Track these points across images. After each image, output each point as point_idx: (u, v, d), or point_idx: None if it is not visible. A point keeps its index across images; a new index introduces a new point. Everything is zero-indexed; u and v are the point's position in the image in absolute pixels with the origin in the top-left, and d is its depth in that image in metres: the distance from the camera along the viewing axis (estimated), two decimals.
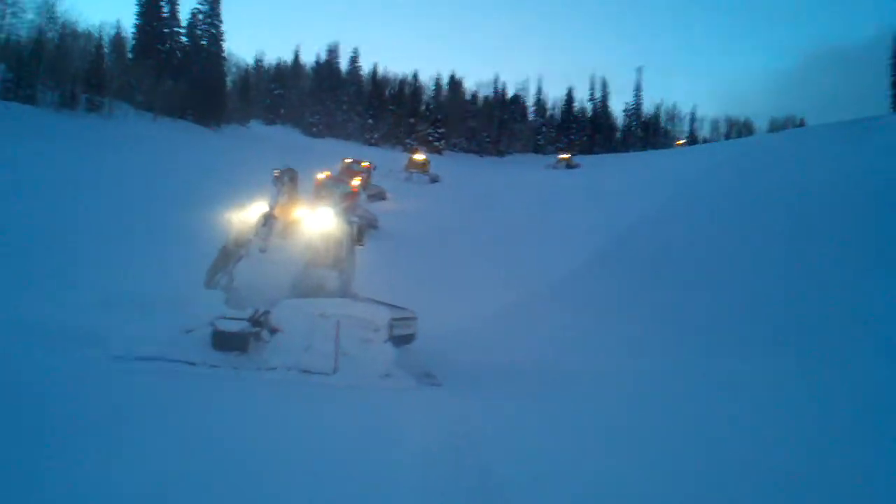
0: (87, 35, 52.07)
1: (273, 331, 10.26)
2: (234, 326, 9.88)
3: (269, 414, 7.73)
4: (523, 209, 39.68)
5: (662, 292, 22.13)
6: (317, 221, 12.77)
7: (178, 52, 59.06)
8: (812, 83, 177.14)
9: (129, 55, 57.88)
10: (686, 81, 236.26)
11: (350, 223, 13.95)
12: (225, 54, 66.46)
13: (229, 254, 12.18)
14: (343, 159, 47.31)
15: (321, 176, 36.31)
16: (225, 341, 9.80)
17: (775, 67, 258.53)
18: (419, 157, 62.50)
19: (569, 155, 79.77)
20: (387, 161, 58.19)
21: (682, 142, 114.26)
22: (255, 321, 10.16)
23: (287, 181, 12.44)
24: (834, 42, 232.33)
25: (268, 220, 11.54)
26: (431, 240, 32.10)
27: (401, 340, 11.93)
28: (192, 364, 9.46)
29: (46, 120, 39.17)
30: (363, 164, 48.07)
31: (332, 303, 10.90)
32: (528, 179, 55.95)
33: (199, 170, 35.40)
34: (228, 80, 74.89)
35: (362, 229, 14.33)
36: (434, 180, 56.81)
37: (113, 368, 8.91)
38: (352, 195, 34.75)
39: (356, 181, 38.43)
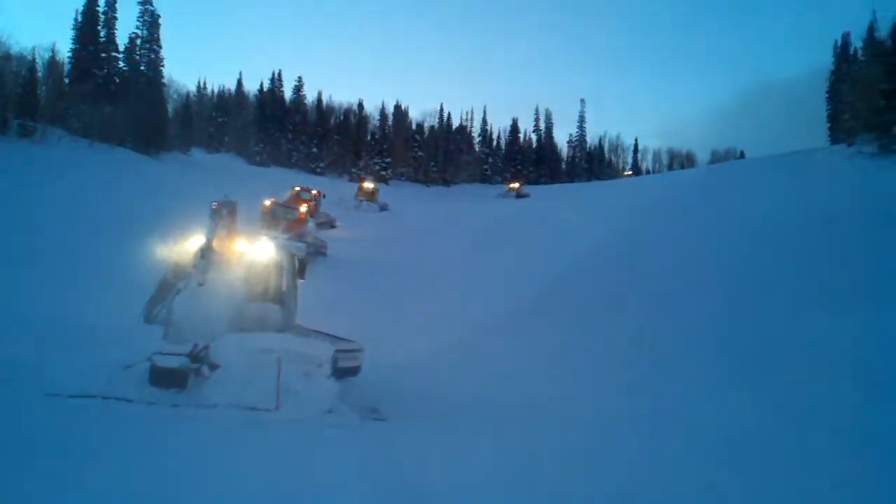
0: (20, 58, 49.69)
1: (213, 367, 10.01)
2: (172, 362, 9.68)
3: (204, 455, 7.55)
4: (474, 238, 39.10)
5: (613, 321, 22.01)
6: (257, 254, 12.49)
7: (116, 77, 57.10)
8: (750, 116, 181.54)
9: (65, 80, 55.59)
10: (628, 114, 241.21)
11: (292, 256, 13.55)
12: (165, 80, 65.15)
13: (168, 286, 11.85)
14: (293, 187, 47.18)
15: (268, 202, 36.11)
16: (163, 377, 9.59)
17: (713, 101, 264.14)
18: (369, 185, 62.63)
19: (518, 184, 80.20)
20: (334, 190, 57.41)
21: (629, 173, 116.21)
22: (195, 356, 9.94)
23: (226, 214, 12.04)
24: (769, 77, 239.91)
25: (206, 253, 11.13)
26: (382, 267, 31.69)
27: (346, 372, 11.97)
28: (130, 401, 9.19)
29: None
30: (313, 192, 48.17)
31: (273, 338, 10.81)
32: (478, 209, 55.69)
33: (137, 198, 34.13)
34: (169, 106, 73.05)
35: (304, 263, 13.89)
36: (383, 209, 57.10)
37: (46, 406, 8.65)
38: (299, 221, 34.59)
39: (304, 207, 38.37)
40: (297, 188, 47.47)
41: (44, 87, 50.85)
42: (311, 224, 37.79)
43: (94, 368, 9.62)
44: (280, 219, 33.38)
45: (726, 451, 10.61)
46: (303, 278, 13.74)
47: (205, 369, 9.99)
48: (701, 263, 26.68)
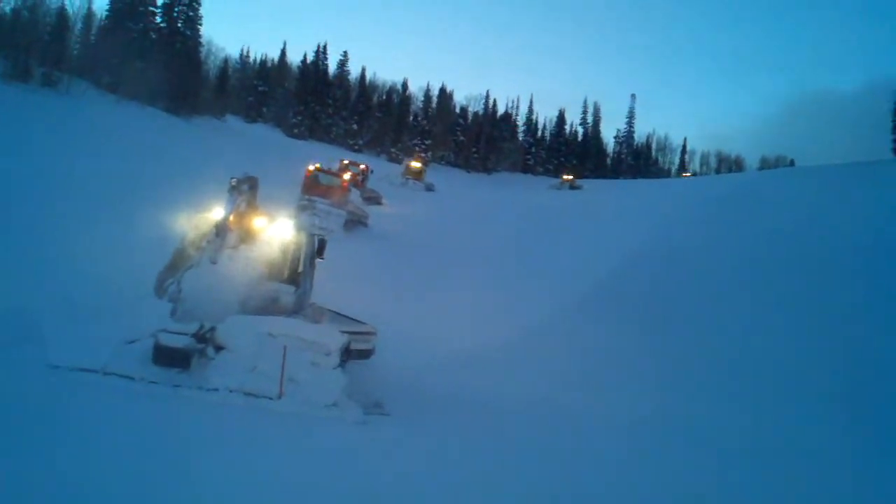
0: (48, 5, 46.96)
1: (218, 348, 9.91)
2: (177, 341, 9.47)
3: (197, 442, 7.52)
4: (524, 226, 37.63)
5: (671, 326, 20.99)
6: (276, 232, 12.14)
7: (151, 33, 54.25)
8: (801, 126, 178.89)
9: (98, 31, 53.01)
10: (676, 114, 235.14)
11: (311, 235, 13.41)
12: (202, 40, 62.58)
13: (181, 260, 11.57)
14: (340, 160, 46.66)
15: (311, 167, 35.82)
16: (166, 356, 9.40)
17: (763, 109, 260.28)
18: (416, 164, 62.66)
19: (572, 176, 78.60)
20: (375, 168, 55.13)
21: (687, 174, 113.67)
22: (200, 337, 9.80)
23: (246, 189, 11.80)
24: (822, 88, 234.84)
25: (221, 231, 10.77)
26: (430, 245, 31.21)
27: (358, 355, 12.12)
28: (131, 378, 9.12)
29: None
30: (361, 166, 47.88)
31: (282, 322, 10.56)
32: (527, 198, 53.38)
33: (160, 162, 31.73)
34: (207, 69, 70.49)
35: (324, 242, 13.55)
36: (429, 189, 57.25)
37: (48, 377, 8.63)
38: (342, 189, 34.39)
39: (347, 175, 37.58)
40: (346, 161, 46.90)
41: (74, 38, 47.98)
42: (357, 196, 37.69)
43: (98, 342, 9.35)
44: (322, 185, 33.71)
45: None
46: (321, 258, 13.50)
47: (209, 350, 9.87)
48: (770, 274, 24.81)
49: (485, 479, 8.27)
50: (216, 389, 9.34)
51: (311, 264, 13.19)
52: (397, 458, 8.68)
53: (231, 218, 11.03)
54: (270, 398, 9.39)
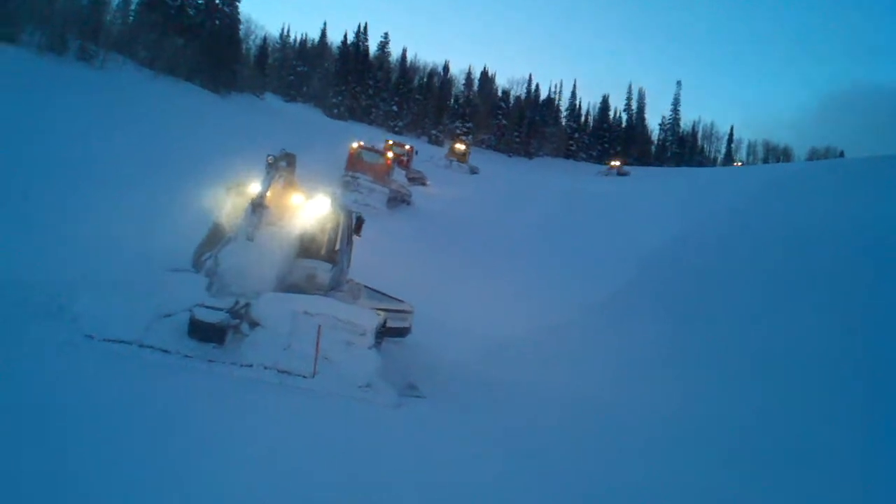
0: None
1: (253, 324, 9.96)
2: (212, 317, 9.45)
3: (229, 418, 7.52)
4: (571, 213, 37.44)
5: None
6: (313, 209, 12.06)
7: (189, 8, 53.14)
8: (850, 118, 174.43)
9: (136, 5, 52.05)
10: (722, 102, 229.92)
11: (349, 212, 13.44)
12: (241, 17, 61.52)
13: (218, 234, 11.77)
14: (386, 140, 46.60)
15: (355, 144, 36.29)
16: (202, 331, 9.39)
17: (810, 99, 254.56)
18: (460, 146, 63.41)
19: (619, 162, 78.36)
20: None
21: (739, 163, 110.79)
22: (236, 312, 9.80)
23: (284, 166, 11.63)
24: (870, 80, 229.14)
25: (257, 208, 10.54)
26: (474, 228, 31.04)
27: (395, 333, 12.50)
28: (166, 352, 9.15)
29: (24, 63, 33.69)
30: (406, 146, 48.17)
31: (318, 300, 10.53)
32: (574, 185, 52.32)
33: (195, 137, 31.13)
34: (247, 47, 69.51)
35: (361, 220, 13.62)
36: (473, 171, 57.83)
37: (83, 347, 8.64)
38: (385, 166, 34.80)
39: (390, 154, 37.68)
40: (391, 141, 46.85)
41: (112, 11, 47.03)
42: (402, 177, 38.29)
43: (134, 314, 9.38)
44: (366, 162, 34.20)
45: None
46: (358, 235, 13.56)
47: (244, 326, 9.90)
48: (817, 267, 23.32)
49: (521, 469, 8.25)
50: (250, 366, 9.37)
51: (348, 242, 13.26)
52: (431, 442, 8.59)
53: (268, 194, 10.81)
54: (304, 376, 9.41)
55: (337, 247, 12.66)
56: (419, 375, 11.39)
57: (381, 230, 25.22)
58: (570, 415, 12.02)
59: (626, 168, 75.84)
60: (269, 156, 11.26)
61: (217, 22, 54.22)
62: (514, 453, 8.96)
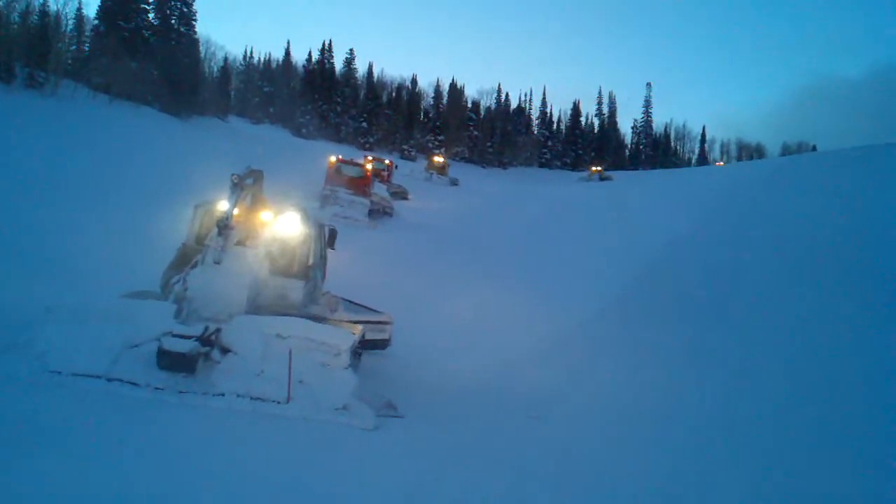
0: (32, 4, 44.12)
1: (224, 351, 9.48)
2: (181, 346, 8.93)
3: (198, 453, 7.22)
4: (559, 220, 36.77)
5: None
6: (283, 226, 11.78)
7: (144, 30, 51.23)
8: (819, 112, 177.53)
9: (88, 32, 50.38)
10: (693, 103, 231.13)
11: (321, 226, 13.11)
12: (199, 38, 59.62)
13: (189, 253, 11.41)
14: (365, 157, 46.04)
15: (334, 158, 36.36)
16: (171, 361, 8.88)
17: (779, 95, 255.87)
18: (439, 158, 64.90)
19: (600, 168, 79.50)
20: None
21: (720, 163, 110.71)
22: (206, 339, 9.29)
23: (250, 183, 11.21)
24: (835, 73, 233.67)
25: (223, 230, 10.11)
26: (462, 241, 30.34)
27: (374, 345, 12.52)
28: (135, 385, 8.79)
29: None
30: (386, 161, 48.41)
31: (290, 322, 10.03)
32: (558, 192, 51.87)
33: (156, 161, 30.11)
34: (206, 68, 67.98)
35: (335, 233, 13.48)
36: (454, 183, 58.71)
37: (48, 383, 8.39)
38: (365, 179, 34.65)
39: (369, 165, 37.43)
40: (370, 157, 46.22)
41: (61, 37, 45.15)
42: (383, 191, 37.98)
43: (100, 345, 8.95)
44: (345, 175, 34.11)
45: None
46: (332, 248, 13.48)
47: (215, 354, 9.42)
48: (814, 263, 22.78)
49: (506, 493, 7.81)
50: (222, 395, 9.00)
51: (321, 255, 12.97)
52: (407, 467, 8.15)
53: (235, 214, 10.43)
54: (278, 402, 9.04)
55: (310, 262, 12.15)
56: (399, 392, 10.87)
57: (365, 243, 25.12)
58: (575, 428, 11.04)
59: (609, 173, 76.39)
60: (233, 175, 10.64)
61: (174, 43, 52.42)
62: (502, 470, 8.53)
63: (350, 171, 34.76)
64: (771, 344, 16.45)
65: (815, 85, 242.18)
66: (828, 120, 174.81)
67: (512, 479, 8.25)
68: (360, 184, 33.62)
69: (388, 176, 44.80)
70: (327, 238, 13.23)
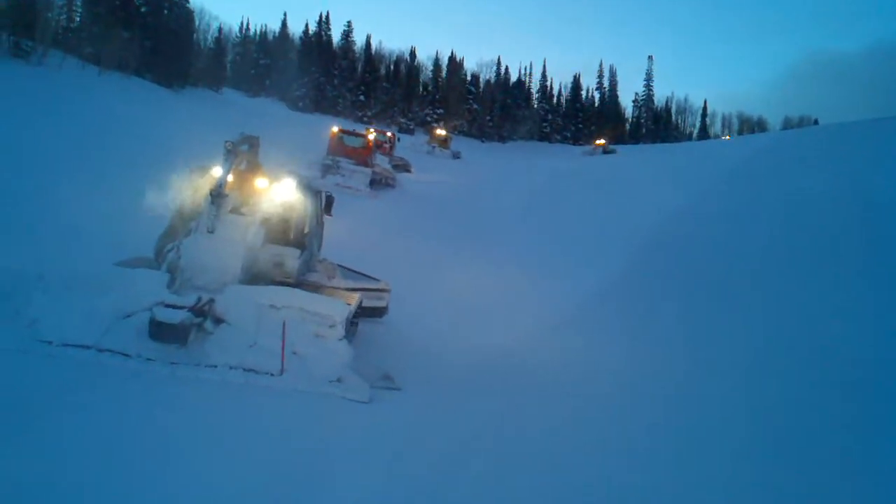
0: None
1: (218, 321, 9.35)
2: (173, 316, 8.81)
3: (189, 428, 6.99)
4: (564, 194, 36.07)
5: None
6: (278, 193, 11.39)
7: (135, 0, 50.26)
8: (817, 85, 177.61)
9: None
10: (694, 76, 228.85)
11: (318, 192, 12.89)
12: (192, 7, 58.79)
13: (182, 222, 11.03)
14: (367, 128, 46.17)
15: (336, 129, 35.84)
16: (163, 332, 8.77)
17: (781, 69, 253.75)
18: (441, 131, 65.15)
19: (604, 141, 78.82)
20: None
21: (727, 137, 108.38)
22: (198, 310, 9.13)
23: (245, 150, 10.98)
24: (834, 48, 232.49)
25: (216, 198, 9.86)
26: (467, 212, 29.94)
27: (371, 313, 12.33)
28: (126, 356, 8.63)
29: None
30: (388, 134, 48.00)
31: (285, 292, 9.89)
32: (561, 165, 50.74)
33: (146, 131, 29.36)
34: (199, 39, 67.38)
35: (331, 199, 13.21)
36: (456, 157, 58.37)
37: (39, 353, 8.23)
38: (367, 149, 34.26)
39: (371, 135, 37.27)
40: (373, 129, 45.92)
41: (52, 7, 44.15)
42: (385, 163, 37.76)
43: (92, 315, 8.77)
44: (347, 146, 33.86)
45: None
46: (329, 215, 13.28)
47: (208, 324, 9.25)
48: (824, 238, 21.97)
49: (499, 471, 7.50)
50: (215, 366, 8.88)
51: (318, 223, 12.85)
52: (404, 440, 7.96)
53: (229, 181, 10.26)
54: (272, 374, 8.93)
55: (306, 230, 12.05)
56: (397, 364, 10.60)
57: (367, 214, 24.88)
58: (574, 406, 10.50)
59: (612, 146, 75.76)
60: (227, 141, 10.43)
61: (166, 12, 51.43)
62: (501, 447, 8.21)
63: (352, 142, 34.67)
64: (776, 322, 15.87)
65: (815, 59, 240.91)
66: (828, 94, 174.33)
67: (496, 453, 7.96)
68: (362, 154, 33.44)
69: (391, 148, 44.70)
70: (324, 205, 13.05)
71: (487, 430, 8.71)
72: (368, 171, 31.72)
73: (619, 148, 77.74)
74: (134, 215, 12.38)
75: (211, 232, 10.03)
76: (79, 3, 49.00)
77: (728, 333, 15.45)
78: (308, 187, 12.34)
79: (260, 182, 11.45)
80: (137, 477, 5.72)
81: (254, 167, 11.53)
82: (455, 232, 25.09)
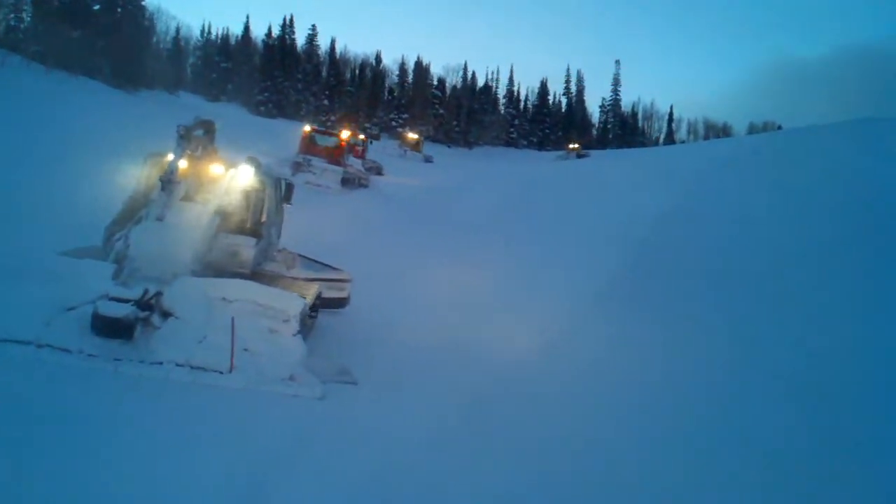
0: None
1: (165, 315, 9.00)
2: (118, 310, 8.40)
3: (126, 431, 6.61)
4: (539, 197, 35.89)
5: None
6: (235, 180, 10.88)
7: None
8: (780, 91, 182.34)
9: None
10: (660, 82, 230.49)
11: (277, 180, 12.39)
12: (148, 5, 57.02)
13: (135, 207, 10.77)
14: (340, 130, 44.38)
15: (308, 128, 36.17)
16: (107, 327, 8.37)
17: (744, 75, 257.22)
18: (412, 135, 66.30)
19: (577, 145, 79.03)
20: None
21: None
22: (145, 303, 8.78)
23: (200, 135, 10.48)
24: (796, 54, 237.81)
25: (167, 185, 9.57)
26: (441, 215, 29.30)
27: (331, 304, 12.17)
28: (67, 351, 8.16)
29: None
30: (360, 136, 47.25)
31: (236, 285, 9.53)
32: (532, 170, 51.64)
33: (94, 132, 26.72)
34: (156, 39, 66.12)
35: (291, 186, 12.81)
36: (428, 160, 59.18)
37: None
38: (339, 148, 33.97)
39: (344, 134, 36.69)
40: (346, 132, 45.14)
41: None
42: (359, 166, 37.43)
43: (32, 308, 8.34)
44: (319, 145, 33.75)
45: None
46: (289, 203, 12.86)
47: (155, 318, 8.86)
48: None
49: (463, 468, 7.23)
50: (160, 363, 8.48)
51: (276, 211, 12.42)
52: (359, 442, 7.51)
53: (182, 167, 10.00)
54: (220, 372, 8.53)
55: (263, 218, 11.71)
56: (358, 359, 10.20)
57: (338, 212, 24.56)
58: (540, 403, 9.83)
59: (585, 151, 76.50)
60: (179, 125, 10.01)
61: (119, 10, 49.73)
62: (464, 440, 7.98)
63: (324, 141, 34.71)
64: (779, 322, 15.10)
65: (778, 65, 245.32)
66: (790, 100, 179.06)
67: (456, 445, 7.75)
68: (335, 153, 33.32)
69: (363, 152, 44.53)
70: (284, 193, 12.65)
71: (448, 424, 8.42)
72: (340, 169, 31.58)
73: (596, 152, 78.46)
74: (86, 199, 12.24)
75: (161, 220, 9.71)
76: (28, 1, 47.40)
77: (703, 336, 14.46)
78: (267, 174, 11.88)
79: (215, 168, 11.01)
80: (70, 481, 5.41)
81: (209, 153, 11.01)
82: (429, 233, 24.37)
